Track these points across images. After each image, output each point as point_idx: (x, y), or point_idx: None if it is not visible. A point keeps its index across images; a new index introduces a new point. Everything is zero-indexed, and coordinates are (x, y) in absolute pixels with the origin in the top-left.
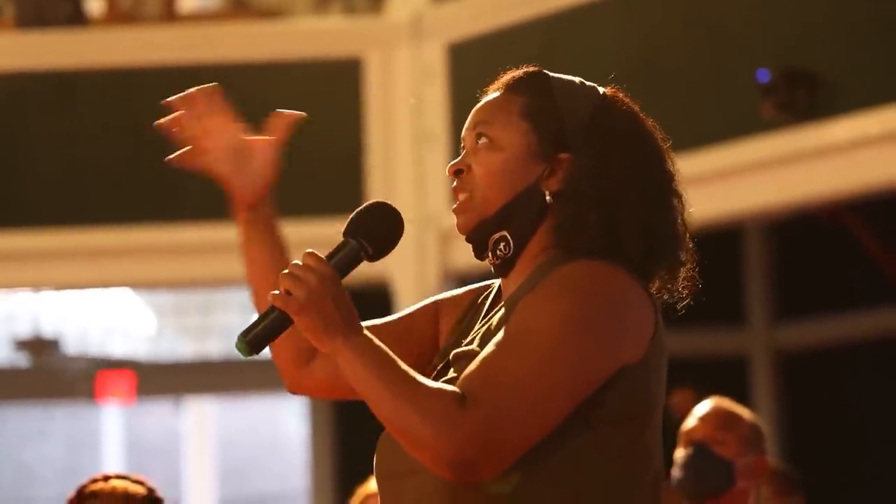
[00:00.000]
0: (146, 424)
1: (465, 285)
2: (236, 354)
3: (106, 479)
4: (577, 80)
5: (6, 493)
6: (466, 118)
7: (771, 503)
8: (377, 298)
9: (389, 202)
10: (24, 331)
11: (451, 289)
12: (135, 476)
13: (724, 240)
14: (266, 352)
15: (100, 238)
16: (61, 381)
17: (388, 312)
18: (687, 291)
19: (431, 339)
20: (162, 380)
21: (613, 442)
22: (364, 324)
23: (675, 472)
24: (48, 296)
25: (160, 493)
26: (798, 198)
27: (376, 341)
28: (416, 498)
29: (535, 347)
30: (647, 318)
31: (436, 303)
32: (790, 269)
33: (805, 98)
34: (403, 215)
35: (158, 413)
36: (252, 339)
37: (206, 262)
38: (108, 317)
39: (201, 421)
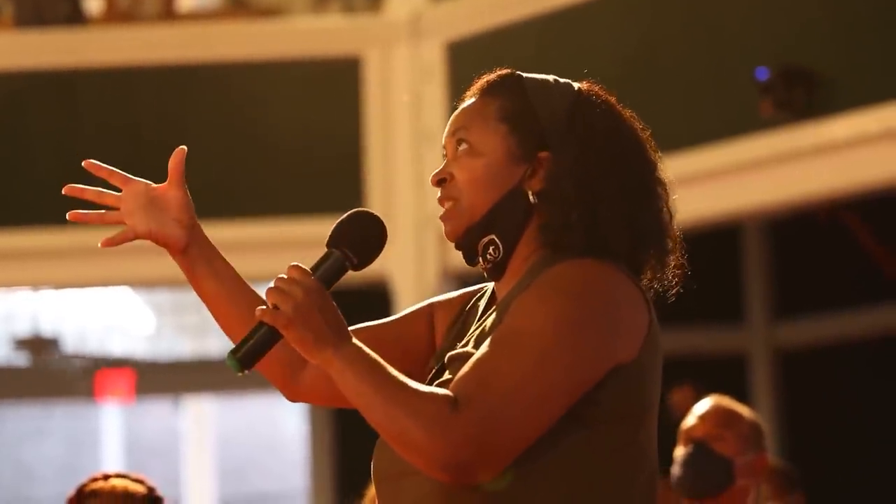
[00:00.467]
0: (145, 423)
1: (465, 285)
2: None
3: (106, 477)
4: (550, 78)
5: (5, 493)
6: None
7: (770, 501)
8: (377, 298)
9: (371, 210)
10: (24, 330)
11: (451, 289)
12: (134, 475)
13: (722, 238)
14: None
15: (99, 237)
16: (60, 380)
17: (388, 312)
18: (677, 280)
19: (427, 341)
20: (161, 379)
21: (608, 441)
22: (360, 326)
23: (675, 471)
24: (47, 295)
25: (160, 491)
26: (797, 196)
27: (366, 349)
28: (413, 499)
29: (529, 349)
30: (640, 317)
31: (430, 305)
32: (789, 268)
33: (803, 96)
34: (403, 215)
35: (158, 412)
36: (243, 357)
37: None
38: (107, 316)
39: (200, 420)
